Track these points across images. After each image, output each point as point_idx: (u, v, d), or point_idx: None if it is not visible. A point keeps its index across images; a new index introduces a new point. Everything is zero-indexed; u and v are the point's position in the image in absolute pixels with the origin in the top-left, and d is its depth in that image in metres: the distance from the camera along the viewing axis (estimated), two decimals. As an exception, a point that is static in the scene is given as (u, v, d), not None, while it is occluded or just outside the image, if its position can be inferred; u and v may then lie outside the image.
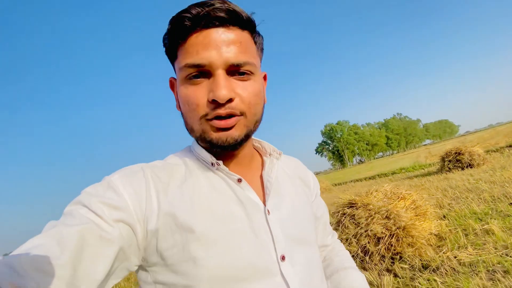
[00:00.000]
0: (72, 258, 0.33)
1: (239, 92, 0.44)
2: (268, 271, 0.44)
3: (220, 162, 0.48)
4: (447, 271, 2.25)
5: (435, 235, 3.10)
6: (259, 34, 0.51)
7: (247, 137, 0.47)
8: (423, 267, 2.47)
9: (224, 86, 0.42)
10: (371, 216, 3.01)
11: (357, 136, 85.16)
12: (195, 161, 0.51)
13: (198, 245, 0.42)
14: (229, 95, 0.42)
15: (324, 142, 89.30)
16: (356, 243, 2.93)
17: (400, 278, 2.39)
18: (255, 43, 0.49)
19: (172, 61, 0.49)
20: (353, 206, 3.26)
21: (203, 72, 0.44)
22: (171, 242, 0.42)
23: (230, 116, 0.44)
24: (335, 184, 15.67)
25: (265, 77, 0.55)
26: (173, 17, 0.44)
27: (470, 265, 2.25)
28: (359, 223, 3.01)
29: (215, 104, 0.43)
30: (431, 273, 2.30)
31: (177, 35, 0.44)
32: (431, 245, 2.89)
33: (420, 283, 2.17)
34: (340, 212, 3.29)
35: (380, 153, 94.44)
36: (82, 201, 0.40)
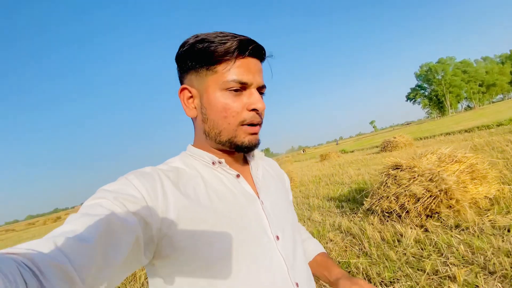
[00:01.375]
0: (100, 242, 0.36)
1: (264, 106, 0.56)
2: (270, 247, 0.53)
3: (222, 160, 0.57)
4: (475, 231, 2.42)
5: (490, 198, 3.05)
6: None
7: None
8: (455, 226, 2.66)
9: (261, 99, 0.54)
10: (414, 177, 3.19)
11: (467, 75, 68.30)
12: (196, 162, 0.58)
13: (213, 231, 0.48)
14: (264, 107, 0.55)
15: (419, 86, 75.77)
16: (396, 201, 3.24)
17: (429, 232, 2.68)
18: None
19: (199, 71, 0.54)
20: (398, 168, 3.45)
21: (242, 88, 0.54)
22: (186, 233, 0.46)
23: (257, 124, 0.56)
24: (421, 138, 14.06)
25: None
26: (221, 38, 0.52)
27: (500, 228, 2.35)
28: (400, 184, 3.26)
29: (254, 112, 0.54)
30: (458, 231, 2.52)
31: (226, 53, 0.52)
32: (479, 208, 2.93)
33: (438, 237, 2.46)
34: (385, 173, 3.55)
35: (500, 96, 74.35)
36: (102, 197, 0.42)
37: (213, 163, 0.57)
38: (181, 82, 0.59)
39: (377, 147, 15.14)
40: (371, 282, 2.08)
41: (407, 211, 3.11)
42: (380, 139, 16.41)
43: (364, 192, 4.34)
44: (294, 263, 0.56)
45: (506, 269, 1.79)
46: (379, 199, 3.48)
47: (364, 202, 3.73)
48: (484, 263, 1.93)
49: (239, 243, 0.50)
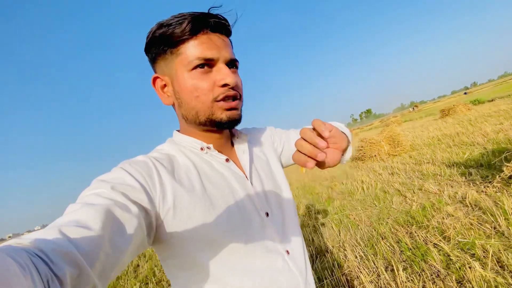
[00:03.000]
0: (103, 229, 0.36)
1: (237, 80, 0.55)
2: (261, 224, 0.57)
3: (211, 145, 0.57)
4: None
5: None
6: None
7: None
8: None
9: (230, 73, 0.52)
10: None
11: None
12: (184, 149, 0.58)
13: (209, 215, 0.50)
14: (236, 80, 0.53)
15: None
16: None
17: None
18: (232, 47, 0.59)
19: (167, 57, 0.54)
20: None
21: (209, 64, 0.52)
22: (183, 219, 0.48)
23: (234, 98, 0.54)
24: None
25: None
26: (176, 17, 0.51)
27: None
28: None
29: (224, 87, 0.52)
30: None
31: (186, 33, 0.50)
32: None
33: None
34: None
35: None
36: (99, 187, 0.43)
37: (201, 149, 0.57)
38: (154, 72, 0.58)
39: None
40: (504, 269, 1.63)
41: None
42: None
43: (506, 153, 3.32)
44: (284, 234, 0.61)
45: None
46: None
47: (504, 168, 2.86)
48: None
49: (234, 224, 0.52)
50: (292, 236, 0.63)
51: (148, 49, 0.56)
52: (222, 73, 0.52)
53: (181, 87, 0.54)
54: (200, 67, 0.52)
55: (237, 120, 0.56)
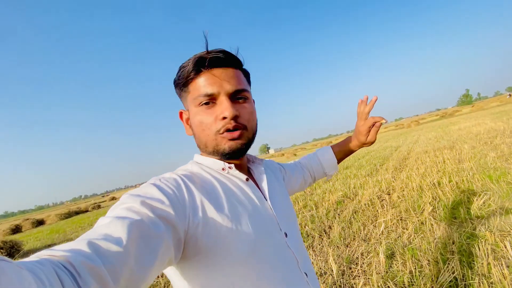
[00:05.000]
0: (131, 245, 0.37)
1: (241, 111, 0.57)
2: (282, 244, 0.58)
3: (232, 165, 0.60)
4: None
5: None
6: (246, 71, 0.65)
7: (249, 145, 0.61)
8: None
9: (231, 107, 0.55)
10: None
11: None
12: (206, 169, 0.61)
13: (236, 228, 0.52)
14: (235, 112, 0.55)
15: None
16: None
17: None
18: (245, 77, 0.63)
19: (183, 96, 0.61)
20: None
21: (212, 99, 0.56)
22: (211, 235, 0.49)
23: (236, 129, 0.56)
24: None
25: (254, 102, 0.68)
26: (186, 62, 0.58)
27: None
28: None
29: (225, 120, 0.55)
30: None
31: (191, 74, 0.57)
32: None
33: None
34: None
35: None
36: (129, 201, 0.44)
37: (223, 169, 0.60)
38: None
39: None
40: None
41: None
42: None
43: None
44: (301, 256, 0.63)
45: None
46: None
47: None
48: None
49: (259, 242, 0.54)
50: (307, 258, 0.66)
51: (175, 89, 0.64)
52: (222, 107, 0.56)
53: (192, 121, 0.60)
54: (205, 104, 0.57)
55: (239, 150, 0.58)
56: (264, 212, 0.59)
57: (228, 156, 0.59)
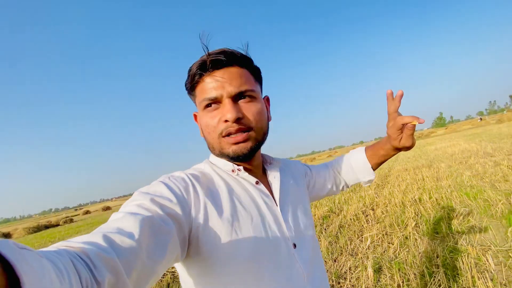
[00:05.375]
0: (142, 239, 0.38)
1: (245, 112, 0.56)
2: (288, 254, 0.55)
3: (241, 167, 0.59)
4: None
5: None
6: (255, 68, 0.61)
7: (257, 147, 0.58)
8: None
9: (232, 110, 0.53)
10: None
11: None
12: (218, 169, 0.61)
13: (236, 236, 0.50)
14: (236, 115, 0.53)
15: None
16: None
17: None
18: (252, 75, 0.60)
19: (193, 99, 0.61)
20: None
21: (216, 102, 0.56)
22: (211, 237, 0.49)
23: (240, 132, 0.55)
24: None
25: (268, 100, 0.67)
26: (191, 67, 0.57)
27: None
28: None
29: (227, 123, 0.54)
30: None
31: (194, 79, 0.57)
32: None
33: None
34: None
35: None
36: (140, 199, 0.45)
37: (232, 170, 0.59)
38: None
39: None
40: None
41: None
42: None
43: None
44: (312, 271, 0.58)
45: None
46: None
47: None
48: None
49: (261, 250, 0.52)
50: (320, 274, 0.62)
51: (187, 94, 0.63)
52: (224, 109, 0.55)
53: (200, 124, 0.61)
54: (208, 106, 0.57)
55: (244, 154, 0.56)
56: (271, 219, 0.56)
57: (234, 159, 0.57)
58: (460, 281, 1.93)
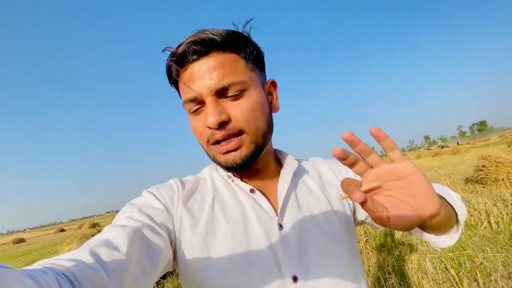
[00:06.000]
0: (131, 251, 0.37)
1: (232, 113, 0.45)
2: None
3: (231, 174, 0.52)
4: None
5: None
6: (246, 47, 0.48)
7: (256, 152, 0.48)
8: None
9: (212, 113, 0.44)
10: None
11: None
12: (218, 175, 0.55)
13: (206, 254, 0.44)
14: (218, 118, 0.44)
15: None
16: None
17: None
18: (242, 58, 0.47)
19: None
20: None
21: (199, 103, 0.46)
22: (188, 245, 0.45)
23: (229, 137, 0.46)
24: None
25: (273, 84, 0.54)
26: (166, 62, 0.48)
27: None
28: None
29: (211, 129, 0.46)
30: None
31: (171, 79, 0.49)
32: None
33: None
34: None
35: None
36: (130, 210, 0.44)
37: (228, 176, 0.53)
38: None
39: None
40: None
41: None
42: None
43: None
44: None
45: None
46: None
47: None
48: None
49: (236, 275, 0.42)
50: None
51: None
52: (205, 112, 0.46)
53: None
54: (193, 110, 0.47)
55: (238, 164, 0.47)
56: (261, 237, 0.45)
57: (228, 170, 0.50)
58: (409, 282, 2.23)
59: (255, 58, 0.50)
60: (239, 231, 0.46)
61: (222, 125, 0.45)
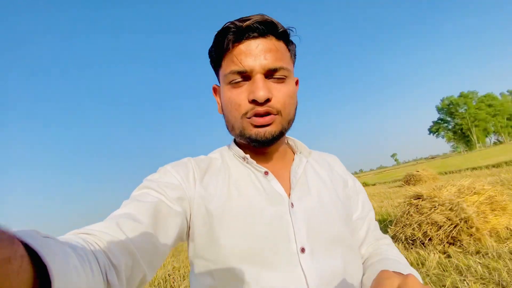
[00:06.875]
0: (152, 223, 0.41)
1: (275, 93, 0.50)
2: (287, 260, 0.46)
3: (248, 156, 0.55)
4: (493, 256, 2.67)
5: (511, 229, 3.26)
6: (292, 43, 0.56)
7: (281, 134, 0.53)
8: (476, 252, 2.90)
9: (262, 88, 0.48)
10: (434, 207, 3.48)
11: (492, 109, 66.23)
12: (231, 156, 0.59)
13: (222, 228, 0.48)
14: (267, 95, 0.48)
15: (441, 120, 73.93)
16: (418, 228, 3.50)
17: (450, 258, 2.93)
18: (289, 51, 0.55)
19: (216, 70, 0.57)
20: (419, 198, 3.76)
21: (244, 76, 0.50)
22: (201, 222, 0.49)
23: (267, 114, 0.50)
24: (446, 173, 13.79)
25: (297, 82, 0.60)
26: (218, 31, 0.52)
27: (517, 254, 2.59)
28: (422, 213, 3.54)
29: (254, 103, 0.49)
30: (478, 257, 2.76)
31: (222, 47, 0.51)
32: (500, 237, 3.13)
33: (459, 261, 2.71)
34: (407, 203, 3.85)
35: (532, 130, 70.58)
36: (147, 186, 0.48)
37: (243, 158, 0.56)
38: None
39: (399, 180, 14.92)
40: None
41: (430, 239, 3.35)
42: (403, 173, 16.13)
43: (388, 220, 4.58)
44: (324, 282, 0.46)
45: (517, 284, 2.06)
46: (402, 226, 3.74)
47: (389, 230, 3.98)
48: (498, 280, 2.19)
49: (251, 247, 0.47)
50: None
51: (210, 62, 0.59)
52: (253, 86, 0.49)
53: (222, 100, 0.56)
54: (235, 80, 0.51)
55: (267, 139, 0.51)
56: (274, 214, 0.49)
57: (256, 143, 0.53)
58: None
59: (294, 55, 0.58)
60: (253, 209, 0.49)
61: (265, 102, 0.49)
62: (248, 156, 0.56)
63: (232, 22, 0.50)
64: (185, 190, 0.50)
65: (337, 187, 0.61)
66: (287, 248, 0.47)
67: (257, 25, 0.49)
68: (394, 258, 0.54)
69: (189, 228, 0.51)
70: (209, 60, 0.58)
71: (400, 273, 0.33)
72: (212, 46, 0.55)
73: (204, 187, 0.52)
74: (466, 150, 70.90)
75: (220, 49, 0.52)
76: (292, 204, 0.51)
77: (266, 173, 0.55)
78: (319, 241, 0.50)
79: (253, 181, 0.54)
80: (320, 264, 0.47)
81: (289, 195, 0.53)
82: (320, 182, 0.59)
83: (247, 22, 0.49)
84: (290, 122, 0.55)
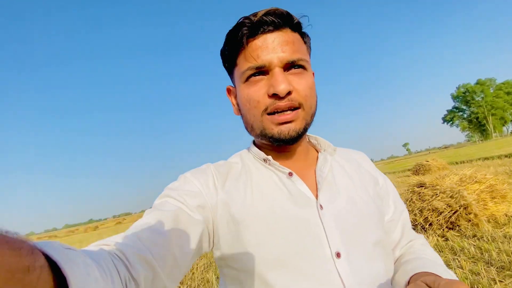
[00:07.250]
0: (172, 233, 0.40)
1: (295, 86, 0.48)
2: (321, 266, 0.43)
3: (270, 157, 0.53)
4: (488, 239, 2.86)
5: (510, 216, 3.42)
6: (307, 35, 0.55)
7: (305, 129, 0.51)
8: (472, 236, 3.10)
9: (283, 81, 0.46)
10: (436, 194, 3.67)
11: (511, 97, 63.63)
12: (251, 159, 0.57)
13: (248, 234, 0.46)
14: (288, 88, 0.46)
15: (456, 108, 71.64)
16: (420, 214, 3.71)
17: (447, 241, 3.14)
18: (305, 43, 0.54)
19: (230, 69, 0.55)
20: (422, 186, 3.94)
21: (262, 72, 0.49)
22: (226, 229, 0.48)
23: (288, 109, 0.48)
24: (457, 162, 13.65)
25: (313, 75, 0.57)
26: (231, 28, 0.50)
27: (511, 237, 2.78)
28: (424, 200, 3.74)
29: (275, 97, 0.47)
30: (473, 240, 2.96)
31: (237, 44, 0.49)
32: (498, 223, 3.31)
33: (454, 243, 2.93)
34: (410, 190, 4.05)
35: (553, 119, 67.66)
36: (168, 195, 0.47)
37: (264, 160, 0.54)
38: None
39: (409, 170, 14.90)
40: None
41: (430, 224, 3.56)
42: (413, 163, 16.03)
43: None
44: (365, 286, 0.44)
45: (503, 262, 2.27)
46: (405, 212, 3.96)
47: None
48: (488, 259, 2.41)
49: (280, 253, 0.45)
50: None
51: (223, 63, 0.57)
52: (273, 80, 0.47)
53: (239, 99, 0.54)
54: (253, 76, 0.49)
55: (292, 137, 0.49)
56: (302, 217, 0.47)
57: (280, 142, 0.50)
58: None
59: (310, 48, 0.56)
60: (279, 213, 0.47)
61: (287, 95, 0.47)
62: (270, 157, 0.53)
63: (245, 17, 0.49)
64: (205, 197, 0.49)
65: (367, 186, 0.57)
66: (320, 253, 0.45)
67: (272, 18, 0.48)
68: (431, 258, 0.51)
69: (213, 236, 0.49)
70: (222, 61, 0.57)
71: (449, 278, 0.32)
72: (224, 45, 0.53)
73: (226, 193, 0.50)
74: (481, 140, 68.99)
75: (234, 47, 0.51)
76: (321, 206, 0.49)
77: (290, 174, 0.52)
78: (354, 244, 0.47)
79: (276, 183, 0.52)
80: (358, 269, 0.45)
81: (316, 196, 0.51)
82: (349, 181, 0.56)
83: (261, 16, 0.48)
84: (312, 116, 0.53)
